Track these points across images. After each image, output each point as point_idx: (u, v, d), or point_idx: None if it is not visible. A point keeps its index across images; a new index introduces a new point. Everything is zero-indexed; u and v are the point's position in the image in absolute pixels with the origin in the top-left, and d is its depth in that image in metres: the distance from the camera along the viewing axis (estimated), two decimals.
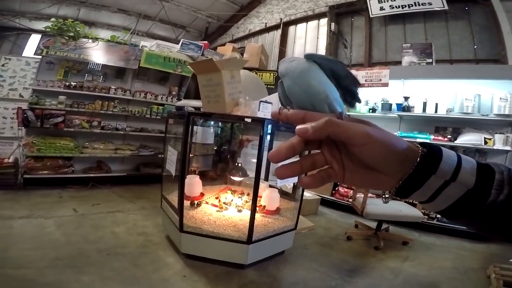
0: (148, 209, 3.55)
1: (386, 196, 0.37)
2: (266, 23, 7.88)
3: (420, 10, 5.05)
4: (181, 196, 2.21)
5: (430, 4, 4.91)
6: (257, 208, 2.64)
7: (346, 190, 4.38)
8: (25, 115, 3.71)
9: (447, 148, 0.34)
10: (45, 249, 2.29)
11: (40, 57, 4.07)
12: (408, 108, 4.22)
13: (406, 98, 4.24)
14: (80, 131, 4.14)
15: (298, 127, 0.32)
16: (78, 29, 4.19)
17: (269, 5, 7.94)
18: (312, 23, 6.94)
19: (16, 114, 3.80)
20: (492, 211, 0.32)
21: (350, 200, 4.15)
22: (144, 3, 7.85)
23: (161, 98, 4.84)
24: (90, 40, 4.28)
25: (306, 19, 7.03)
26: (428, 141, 3.92)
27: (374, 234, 3.24)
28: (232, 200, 2.73)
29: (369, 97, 4.71)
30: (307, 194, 3.56)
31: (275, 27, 7.61)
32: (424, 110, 4.09)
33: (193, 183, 2.66)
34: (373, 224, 3.37)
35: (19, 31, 7.69)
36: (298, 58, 0.48)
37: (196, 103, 2.56)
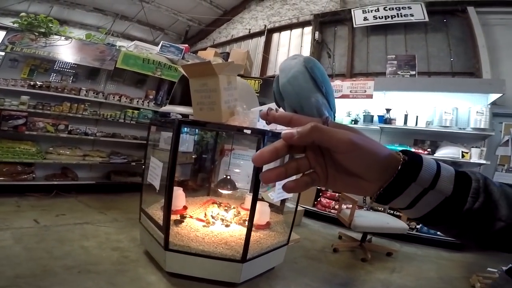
0: (121, 221, 3.23)
1: (368, 202, 0.41)
2: (250, 29, 7.81)
3: (402, 22, 5.18)
4: (168, 212, 1.99)
5: (412, 15, 5.06)
6: (246, 222, 2.49)
7: (328, 201, 4.34)
8: None
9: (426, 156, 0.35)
10: (2, 265, 1.98)
11: (3, 53, 3.63)
12: (389, 120, 4.26)
13: (388, 110, 4.29)
14: (44, 135, 3.71)
15: (283, 131, 0.33)
16: (50, 25, 3.81)
17: (254, 11, 7.90)
18: (296, 31, 6.96)
19: None
20: (468, 218, 0.33)
21: (333, 211, 4.16)
22: (122, 3, 7.50)
23: (137, 102, 4.50)
24: (63, 38, 3.90)
25: (290, 26, 7.04)
26: None
27: (359, 245, 3.24)
28: (218, 214, 2.53)
29: (351, 108, 4.72)
30: (290, 205, 3.47)
31: (259, 34, 7.57)
32: (405, 122, 4.15)
33: (176, 196, 2.44)
34: (357, 235, 3.37)
35: None
36: (299, 56, 0.48)
37: (183, 109, 2.36)
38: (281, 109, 0.50)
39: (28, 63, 3.81)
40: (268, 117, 0.38)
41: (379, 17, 5.36)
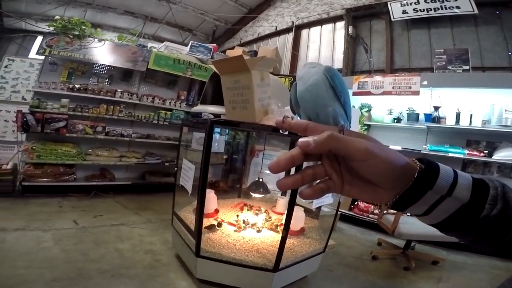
0: (155, 222, 3.27)
1: (382, 208, 0.37)
2: (276, 26, 7.65)
3: (447, 14, 4.75)
4: (200, 219, 1.92)
5: (458, 7, 4.60)
6: (279, 228, 2.38)
7: (366, 205, 4.08)
8: (25, 119, 3.46)
9: (443, 164, 0.35)
10: (41, 268, 2.03)
11: (43, 57, 3.82)
12: (438, 119, 3.89)
13: (437, 108, 3.92)
14: (83, 137, 3.88)
15: (300, 140, 0.33)
16: (83, 27, 3.94)
17: (279, 8, 7.71)
18: (327, 27, 6.69)
19: (16, 118, 3.56)
20: (485, 225, 0.33)
21: (371, 216, 3.91)
22: (151, 5, 7.67)
23: (169, 102, 4.56)
24: (96, 40, 4.02)
25: (320, 22, 6.77)
26: (461, 155, 3.63)
27: (401, 253, 3.04)
28: (250, 220, 2.43)
29: (393, 106, 4.40)
30: (325, 209, 3.30)
31: (287, 30, 7.38)
32: (457, 121, 3.76)
33: (208, 199, 2.37)
34: (399, 242, 3.15)
35: (25, 33, 7.54)
36: (319, 65, 0.49)
37: (215, 109, 2.28)
38: (297, 117, 0.51)
39: (66, 66, 3.97)
40: (283, 125, 0.38)
41: (420, 10, 4.98)
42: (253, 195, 2.59)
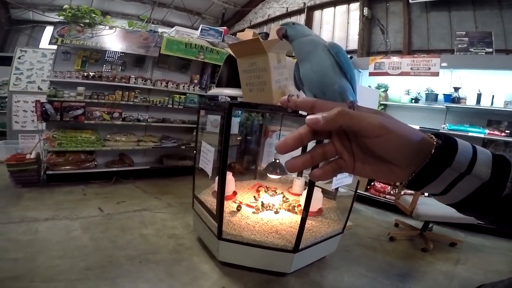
0: (175, 206, 3.36)
1: (398, 187, 0.22)
2: (287, 8, 7.44)
3: None
4: (221, 202, 1.96)
5: None
6: (296, 209, 2.41)
7: (383, 186, 4.06)
8: (43, 109, 3.53)
9: (463, 140, 0.33)
10: (74, 257, 2.13)
11: (56, 47, 3.83)
12: (458, 100, 3.83)
13: (457, 89, 3.85)
14: (101, 123, 3.95)
15: (308, 117, 0.32)
16: (93, 15, 3.91)
17: None
18: (341, 8, 6.49)
19: (34, 107, 3.63)
20: (507, 204, 0.31)
21: (387, 196, 3.89)
22: None
23: (183, 87, 4.57)
24: (107, 27, 4.01)
25: (334, 3, 6.58)
26: (482, 135, 3.55)
27: (419, 234, 3.03)
28: (269, 203, 2.46)
29: (410, 86, 4.32)
30: (342, 189, 3.31)
31: (298, 12, 7.18)
32: (478, 102, 3.68)
33: (227, 181, 2.35)
34: (416, 223, 3.15)
35: (33, 24, 7.57)
36: (318, 38, 0.47)
37: (231, 91, 2.27)
38: (302, 94, 0.48)
39: (79, 55, 3.98)
40: (289, 104, 0.36)
41: None
42: (270, 176, 2.62)
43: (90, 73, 3.90)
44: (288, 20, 7.42)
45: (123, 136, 4.11)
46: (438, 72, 3.91)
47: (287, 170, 0.36)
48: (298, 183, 2.80)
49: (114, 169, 4.01)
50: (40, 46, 6.28)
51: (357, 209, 3.91)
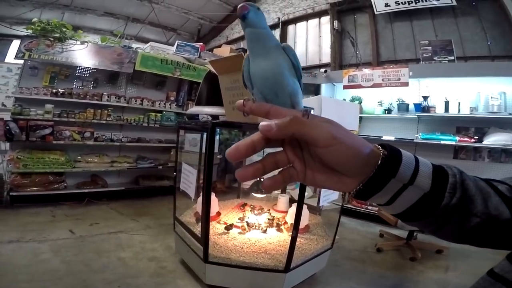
0: (154, 227, 3.18)
1: (346, 198, 0.36)
2: None
3: (427, 6, 4.88)
4: (206, 224, 1.86)
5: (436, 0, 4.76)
6: (282, 227, 2.37)
7: None
8: (7, 127, 3.27)
9: (406, 150, 0.34)
10: (43, 280, 1.94)
11: (22, 61, 3.61)
12: (428, 108, 3.99)
13: (425, 98, 4.02)
14: (71, 144, 3.71)
15: (261, 123, 0.31)
16: (64, 29, 3.74)
17: (265, 4, 7.66)
18: (313, 22, 6.71)
19: None
20: (445, 214, 0.33)
21: (369, 207, 3.95)
22: (132, 6, 7.45)
23: (159, 104, 4.44)
24: (79, 42, 3.84)
25: (306, 17, 6.79)
26: (453, 142, 3.72)
27: (405, 244, 3.03)
28: (255, 222, 2.39)
29: (382, 98, 4.46)
30: (325, 203, 3.31)
31: (273, 27, 7.34)
32: (446, 109, 3.85)
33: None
34: (401, 233, 3.15)
35: None
36: (270, 32, 0.45)
37: (212, 109, 2.21)
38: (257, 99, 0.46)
39: (48, 70, 3.78)
40: (244, 108, 0.36)
41: (401, 2, 5.09)
42: (255, 195, 2.55)
43: (59, 89, 3.70)
44: None
45: (96, 157, 3.89)
46: (408, 82, 4.08)
47: (238, 180, 0.33)
48: (283, 200, 2.75)
49: (86, 191, 3.76)
50: (6, 60, 5.92)
51: (341, 221, 3.90)
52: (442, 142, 3.76)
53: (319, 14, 6.51)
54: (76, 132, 3.72)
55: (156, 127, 4.35)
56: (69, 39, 3.78)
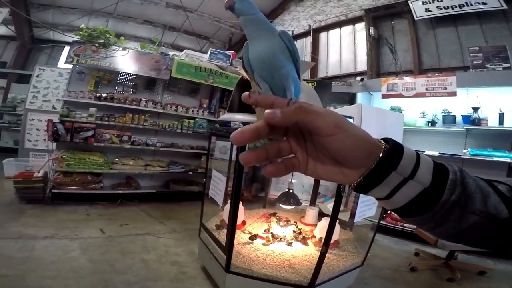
0: (180, 231, 3.23)
1: (346, 191, 0.37)
2: (292, 31, 7.56)
3: (474, 11, 4.53)
4: (232, 234, 1.84)
5: (484, 3, 4.37)
6: (310, 241, 2.28)
7: None
8: (55, 128, 3.54)
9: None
10: (67, 278, 2.02)
11: (71, 66, 3.91)
12: (478, 121, 3.63)
13: (476, 109, 3.66)
14: (110, 146, 3.92)
15: (267, 111, 0.32)
16: (108, 36, 3.99)
17: (295, 12, 7.63)
18: (347, 28, 6.54)
19: (47, 127, 3.65)
20: (444, 211, 0.33)
21: (404, 224, 3.71)
22: (169, 14, 7.83)
23: (192, 111, 4.54)
24: (121, 48, 4.07)
25: (339, 24, 6.64)
26: (508, 160, 3.35)
27: (443, 264, 2.84)
28: (282, 235, 2.32)
29: (426, 108, 4.15)
30: (359, 219, 3.15)
31: (304, 34, 7.28)
32: (500, 122, 3.47)
33: None
34: (438, 252, 2.98)
35: (53, 43, 7.89)
36: (262, 17, 0.47)
37: (244, 117, 2.20)
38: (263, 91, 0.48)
39: (93, 75, 4.04)
40: (250, 100, 0.36)
41: (444, 7, 4.78)
42: (283, 206, 2.49)
43: (102, 94, 3.93)
44: (295, 42, 7.61)
45: (131, 160, 4.06)
46: (455, 92, 3.76)
47: (241, 163, 0.34)
48: (311, 213, 2.66)
49: (120, 192, 3.94)
50: (58, 66, 6.47)
51: (367, 237, 3.71)
52: (495, 159, 3.40)
53: (353, 21, 6.34)
54: (115, 135, 3.93)
55: (189, 133, 4.46)
56: (112, 45, 4.01)
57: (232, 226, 1.85)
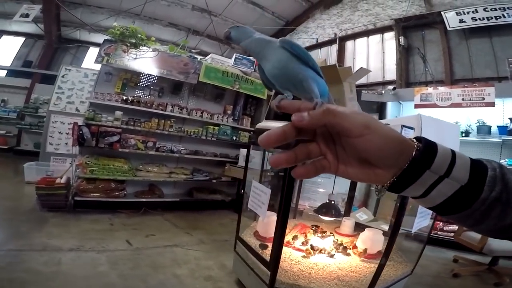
0: (207, 243, 3.10)
1: (379, 190, 0.36)
2: (317, 39, 7.49)
3: (509, 22, 4.43)
4: (278, 249, 1.71)
5: None
6: (350, 251, 2.18)
7: (436, 222, 3.70)
8: (80, 132, 3.43)
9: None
10: None
11: (99, 67, 3.82)
12: None
13: None
14: (135, 152, 3.79)
15: (294, 114, 0.33)
16: (139, 35, 3.90)
17: (319, 20, 7.58)
18: (375, 37, 6.46)
19: (71, 130, 3.57)
20: (484, 208, 0.32)
21: (439, 232, 3.76)
22: (194, 17, 7.89)
23: (217, 117, 4.43)
24: (151, 49, 3.96)
25: (366, 33, 6.57)
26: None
27: (487, 269, 2.86)
28: (323, 245, 2.19)
29: (459, 118, 4.04)
30: (402, 230, 3.04)
31: (329, 42, 7.21)
32: None
33: (269, 222, 2.17)
34: (478, 257, 3.02)
35: (79, 44, 7.96)
36: (261, 36, 0.50)
37: (280, 125, 2.09)
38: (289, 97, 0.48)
39: (120, 77, 3.93)
40: (279, 106, 0.37)
41: (479, 18, 4.73)
42: (323, 218, 2.37)
43: (129, 97, 3.81)
44: (318, 51, 7.52)
45: (155, 167, 3.96)
46: (494, 102, 3.69)
47: (270, 165, 0.35)
48: (348, 224, 2.55)
49: (143, 200, 3.83)
50: (82, 66, 6.44)
51: (408, 246, 3.52)
52: None
53: (381, 30, 6.27)
54: (140, 141, 3.81)
55: (213, 140, 4.34)
56: (143, 45, 3.91)
57: (279, 241, 1.73)
